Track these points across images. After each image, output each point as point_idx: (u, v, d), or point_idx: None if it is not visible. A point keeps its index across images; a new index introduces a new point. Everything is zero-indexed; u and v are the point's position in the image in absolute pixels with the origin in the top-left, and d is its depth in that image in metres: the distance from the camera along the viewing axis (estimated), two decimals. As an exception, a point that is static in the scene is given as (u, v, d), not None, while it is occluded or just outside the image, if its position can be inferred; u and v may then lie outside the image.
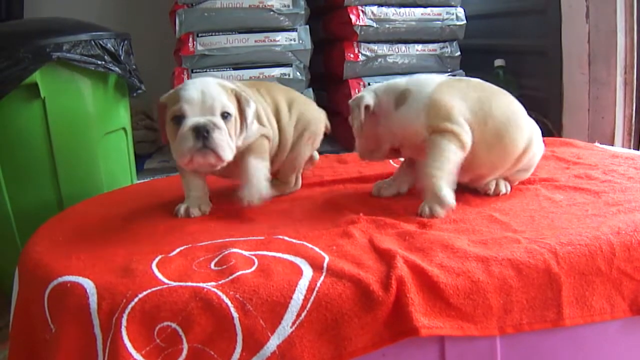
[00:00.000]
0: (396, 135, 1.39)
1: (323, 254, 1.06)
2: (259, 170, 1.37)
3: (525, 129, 1.36)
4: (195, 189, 1.40)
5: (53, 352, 0.96)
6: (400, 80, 1.43)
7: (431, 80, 1.38)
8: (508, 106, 1.37)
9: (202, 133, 1.23)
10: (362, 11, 2.48)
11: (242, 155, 1.37)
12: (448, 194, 1.26)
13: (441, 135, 1.29)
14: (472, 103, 1.33)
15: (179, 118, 1.26)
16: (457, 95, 1.34)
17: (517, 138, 1.34)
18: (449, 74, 2.61)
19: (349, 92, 2.49)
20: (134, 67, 1.89)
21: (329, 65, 2.74)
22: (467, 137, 1.30)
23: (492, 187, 1.40)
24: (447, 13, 2.60)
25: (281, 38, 2.44)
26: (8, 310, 1.21)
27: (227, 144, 1.26)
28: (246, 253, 1.08)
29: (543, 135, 1.47)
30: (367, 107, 1.39)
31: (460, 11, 2.62)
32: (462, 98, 1.33)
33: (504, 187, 1.40)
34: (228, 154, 1.27)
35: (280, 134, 1.47)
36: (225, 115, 1.27)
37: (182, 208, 1.37)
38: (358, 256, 1.06)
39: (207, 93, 1.27)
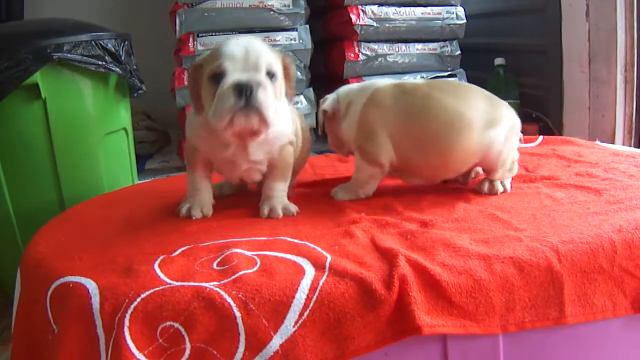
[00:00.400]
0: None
1: (325, 253, 1.06)
2: (280, 192, 1.35)
3: (473, 130, 1.33)
4: (200, 189, 1.34)
5: (55, 353, 0.96)
6: (357, 86, 1.48)
7: (366, 91, 1.41)
8: (450, 109, 1.33)
9: (245, 92, 1.11)
10: (362, 10, 2.48)
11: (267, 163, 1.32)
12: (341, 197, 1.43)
13: (360, 155, 1.41)
14: (398, 113, 1.36)
15: (219, 76, 1.13)
16: (383, 110, 1.37)
17: (460, 140, 1.33)
18: (449, 72, 2.62)
19: (349, 92, 2.49)
20: (134, 67, 1.89)
21: (329, 64, 2.74)
22: (384, 158, 1.37)
23: (485, 187, 1.40)
24: (447, 12, 2.60)
25: (281, 38, 2.44)
26: (10, 311, 1.21)
27: (272, 105, 1.14)
28: (248, 253, 1.08)
29: (543, 134, 1.47)
30: (324, 111, 1.46)
31: (460, 10, 2.63)
32: (388, 111, 1.36)
33: (501, 186, 1.40)
34: (273, 117, 1.15)
35: (303, 136, 1.45)
36: (271, 75, 1.16)
37: (184, 208, 1.33)
38: (360, 255, 1.06)
39: (250, 49, 1.15)
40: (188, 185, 1.36)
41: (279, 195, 1.35)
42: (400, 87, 1.39)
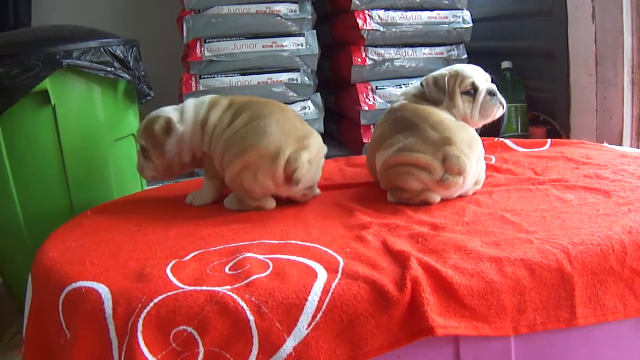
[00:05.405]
0: None
1: (337, 256, 1.07)
2: None
3: None
4: None
5: (68, 357, 0.97)
6: None
7: None
8: None
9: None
10: (369, 15, 2.48)
11: None
12: None
13: None
14: None
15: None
16: None
17: None
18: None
19: (356, 97, 2.49)
20: (142, 73, 1.90)
21: (336, 69, 2.75)
22: None
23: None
24: (454, 16, 2.60)
25: (288, 43, 2.44)
26: (21, 316, 1.21)
27: None
28: (260, 257, 1.08)
29: (550, 137, 1.47)
30: None
31: (466, 14, 2.63)
32: None
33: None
34: None
35: None
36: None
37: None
38: (372, 258, 1.06)
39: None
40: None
41: None
42: None
